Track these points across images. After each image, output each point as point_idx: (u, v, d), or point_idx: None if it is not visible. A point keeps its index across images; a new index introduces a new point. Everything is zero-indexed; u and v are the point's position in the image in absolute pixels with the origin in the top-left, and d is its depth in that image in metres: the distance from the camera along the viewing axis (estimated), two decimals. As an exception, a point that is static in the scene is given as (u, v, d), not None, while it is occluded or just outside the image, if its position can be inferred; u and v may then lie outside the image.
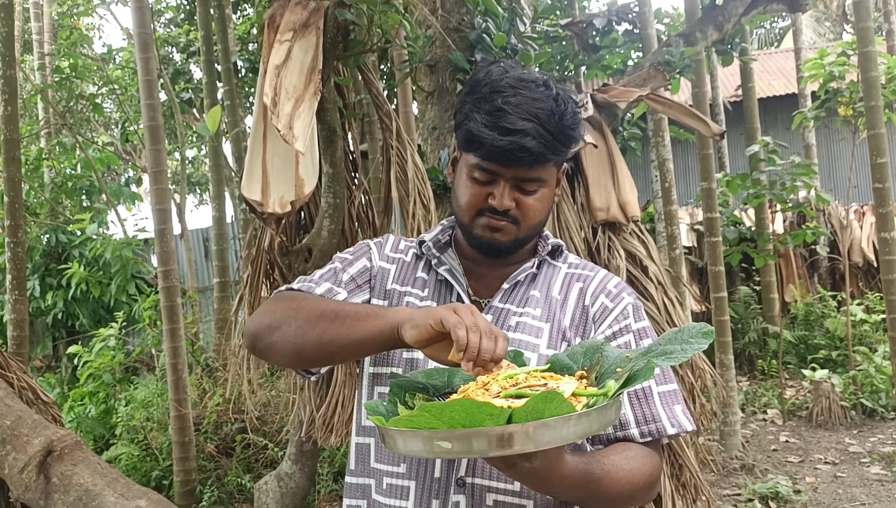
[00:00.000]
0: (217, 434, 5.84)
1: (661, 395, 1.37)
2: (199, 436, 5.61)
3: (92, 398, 6.70)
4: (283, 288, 1.46)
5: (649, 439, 1.35)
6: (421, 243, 1.53)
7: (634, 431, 1.34)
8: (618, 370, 1.15)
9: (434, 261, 1.50)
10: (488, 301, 1.45)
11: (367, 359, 1.45)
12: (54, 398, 7.07)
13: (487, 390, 1.10)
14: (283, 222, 2.90)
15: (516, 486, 1.33)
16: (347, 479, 1.48)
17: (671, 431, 1.35)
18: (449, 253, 1.51)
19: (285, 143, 2.54)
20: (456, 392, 1.22)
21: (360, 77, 3.44)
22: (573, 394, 1.08)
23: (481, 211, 1.39)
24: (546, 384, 1.10)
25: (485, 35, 3.83)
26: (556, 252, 1.53)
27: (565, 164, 1.49)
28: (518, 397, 1.05)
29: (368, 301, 1.47)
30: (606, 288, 1.47)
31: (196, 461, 5.22)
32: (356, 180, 3.47)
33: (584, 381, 1.16)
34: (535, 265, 1.48)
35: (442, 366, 1.30)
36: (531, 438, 0.97)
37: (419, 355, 1.34)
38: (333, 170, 3.10)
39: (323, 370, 1.48)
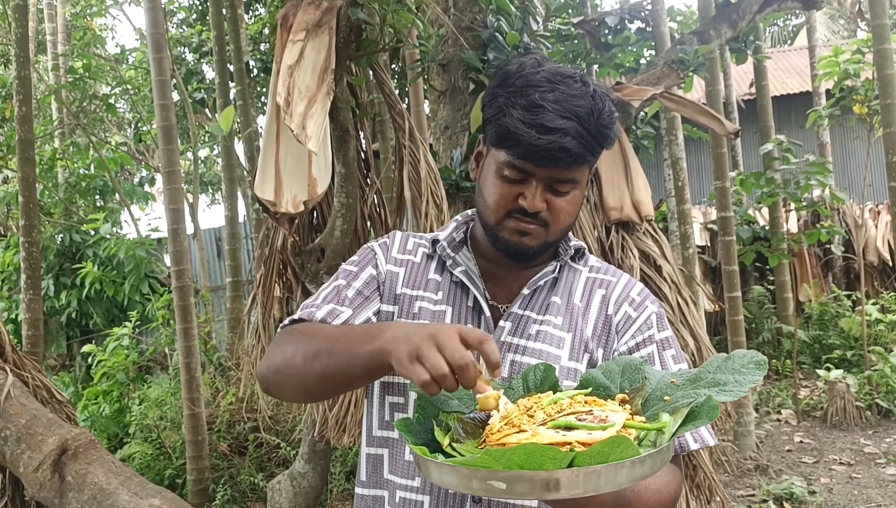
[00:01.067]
0: (230, 433, 5.86)
1: None
2: (212, 435, 5.63)
3: (106, 397, 6.73)
4: (287, 321, 1.39)
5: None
6: (434, 242, 1.45)
7: None
8: (665, 398, 1.11)
9: (449, 262, 1.42)
10: (507, 307, 1.39)
11: None
12: (69, 396, 7.12)
13: (532, 416, 1.05)
14: (296, 221, 2.90)
15: (534, 503, 1.29)
16: (357, 490, 1.43)
17: (694, 446, 1.31)
18: (464, 252, 1.44)
19: (298, 143, 2.54)
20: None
21: (372, 76, 3.44)
22: (623, 425, 1.03)
23: (510, 212, 1.32)
24: (591, 412, 1.05)
25: (497, 34, 3.82)
26: (577, 255, 1.46)
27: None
28: (567, 427, 1.01)
29: (378, 311, 1.41)
30: (630, 296, 1.42)
31: (209, 459, 5.24)
32: (369, 180, 3.47)
33: (628, 407, 1.11)
34: (556, 269, 1.42)
35: None
36: (581, 485, 0.92)
37: None
38: (346, 170, 3.09)
39: None
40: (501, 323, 1.37)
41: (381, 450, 1.39)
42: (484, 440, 1.07)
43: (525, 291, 1.39)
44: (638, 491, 1.17)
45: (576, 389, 1.19)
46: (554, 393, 1.16)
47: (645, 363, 1.21)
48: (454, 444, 1.10)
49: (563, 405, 1.08)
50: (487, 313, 1.37)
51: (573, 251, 1.45)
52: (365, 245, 1.51)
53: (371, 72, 3.37)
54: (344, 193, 3.11)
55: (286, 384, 1.29)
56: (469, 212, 1.51)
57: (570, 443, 0.96)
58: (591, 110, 1.25)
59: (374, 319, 1.39)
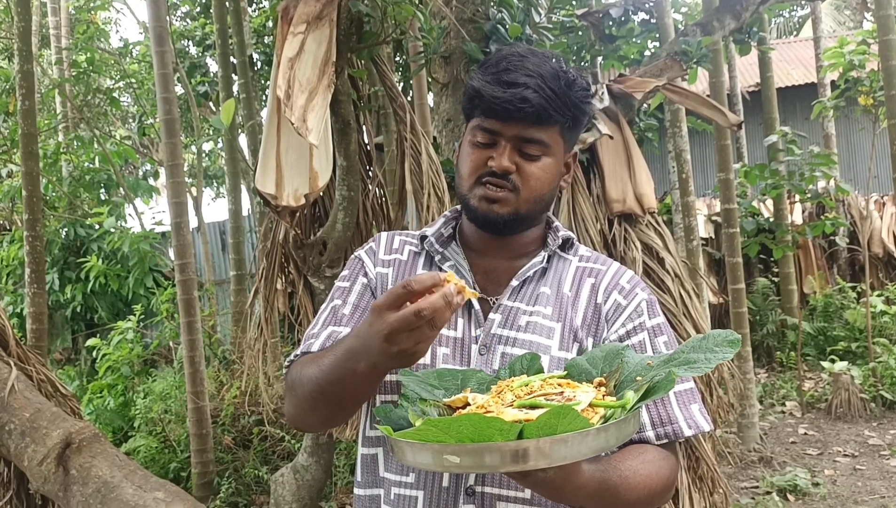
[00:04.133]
0: (234, 427, 5.87)
1: (678, 395, 1.32)
2: (216, 428, 5.64)
3: (110, 391, 6.75)
4: (292, 356, 1.41)
5: (665, 441, 1.30)
6: (422, 238, 1.46)
7: (650, 433, 1.29)
8: (637, 378, 1.11)
9: (437, 257, 1.43)
10: (497, 299, 1.38)
11: None
12: (74, 390, 7.14)
13: (502, 398, 1.06)
14: (298, 215, 2.90)
15: (527, 494, 1.28)
16: (356, 490, 1.43)
17: (688, 432, 1.30)
18: (453, 247, 1.44)
19: (299, 136, 2.54)
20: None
21: (374, 69, 3.43)
22: (590, 405, 1.04)
23: (480, 177, 1.33)
24: (562, 393, 1.06)
25: (499, 26, 3.81)
26: (566, 245, 1.46)
27: (579, 153, 1.44)
28: (532, 406, 1.02)
29: None
30: (619, 284, 1.41)
31: (213, 453, 5.26)
32: (371, 173, 3.46)
33: (603, 389, 1.12)
34: (545, 260, 1.41)
35: (454, 368, 1.27)
36: (546, 454, 0.93)
37: (423, 359, 1.29)
38: (347, 163, 3.09)
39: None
40: (491, 316, 1.36)
41: (375, 449, 1.38)
42: None
43: (514, 282, 1.38)
44: (626, 477, 1.17)
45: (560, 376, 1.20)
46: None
47: (627, 348, 1.21)
48: None
49: (533, 387, 1.09)
50: (477, 306, 1.36)
51: (561, 241, 1.44)
52: (352, 256, 1.52)
53: (372, 64, 3.36)
54: (345, 186, 3.10)
55: (311, 427, 1.40)
56: (458, 207, 1.50)
57: (519, 420, 0.96)
58: (559, 76, 1.29)
59: None
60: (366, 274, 1.44)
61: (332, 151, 2.85)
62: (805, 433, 6.56)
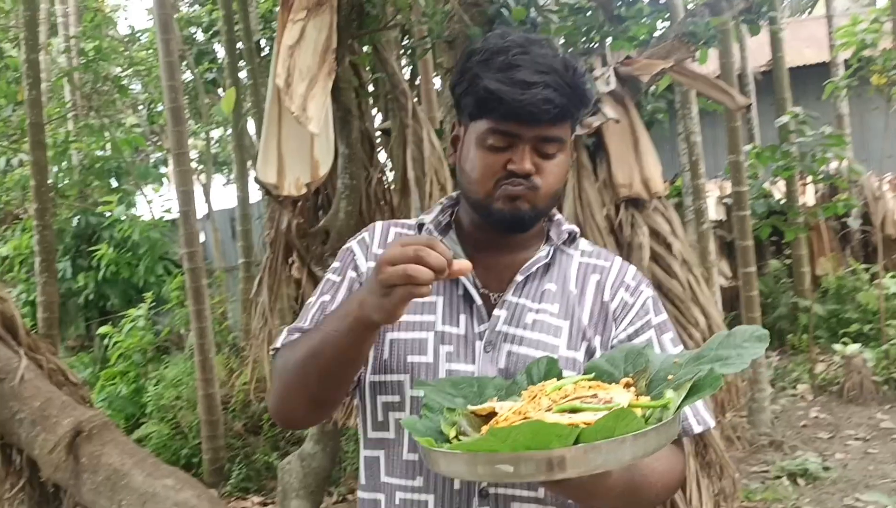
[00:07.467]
0: (245, 413, 5.91)
1: None
2: (227, 415, 5.68)
3: (123, 378, 6.81)
4: (277, 344, 1.36)
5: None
6: (420, 225, 1.39)
7: None
8: (668, 377, 1.09)
9: None
10: (500, 295, 1.32)
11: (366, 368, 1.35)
12: (88, 377, 7.21)
13: (537, 403, 1.04)
14: (300, 203, 2.90)
15: (540, 493, 1.26)
16: (359, 493, 1.38)
17: (697, 429, 1.30)
18: (451, 236, 1.37)
19: (300, 124, 2.53)
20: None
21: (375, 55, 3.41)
22: (629, 405, 1.02)
23: (499, 181, 1.25)
24: (596, 395, 1.04)
25: (503, 9, 3.77)
26: (569, 239, 1.40)
27: (585, 137, 1.41)
28: (572, 410, 1.00)
29: None
30: (625, 281, 1.37)
31: (224, 439, 5.30)
32: (373, 161, 3.45)
33: (633, 390, 1.10)
34: (549, 254, 1.36)
35: (468, 377, 1.24)
36: (585, 462, 0.91)
37: (423, 358, 1.27)
38: (349, 151, 3.08)
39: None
40: (496, 312, 1.30)
41: (377, 452, 1.33)
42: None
43: (518, 277, 1.33)
44: (646, 475, 1.16)
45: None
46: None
47: (648, 348, 1.20)
48: (461, 436, 1.08)
49: (567, 390, 1.07)
50: (479, 301, 1.31)
51: (567, 236, 1.39)
52: (344, 246, 1.45)
53: (374, 51, 3.34)
54: (348, 174, 3.10)
55: (294, 403, 1.28)
56: (454, 194, 1.44)
57: (575, 424, 0.95)
58: (567, 66, 1.24)
59: None
60: (356, 268, 1.38)
61: (333, 140, 2.85)
62: (816, 417, 6.53)
